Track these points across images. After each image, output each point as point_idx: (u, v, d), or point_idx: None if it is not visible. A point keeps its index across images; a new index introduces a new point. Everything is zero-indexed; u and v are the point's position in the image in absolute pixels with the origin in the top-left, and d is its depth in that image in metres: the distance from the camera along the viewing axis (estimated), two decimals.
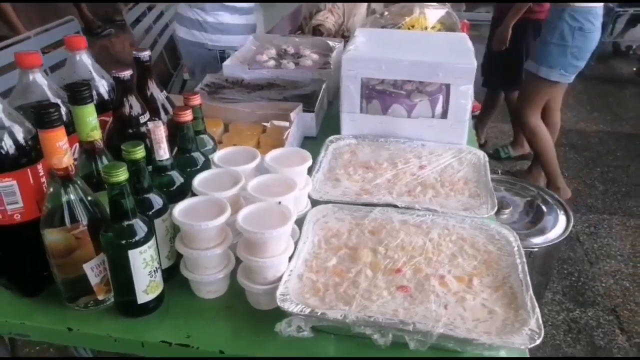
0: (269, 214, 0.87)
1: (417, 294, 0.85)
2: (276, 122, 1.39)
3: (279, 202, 0.88)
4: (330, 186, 1.17)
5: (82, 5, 4.01)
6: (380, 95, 1.39)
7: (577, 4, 2.51)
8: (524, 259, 0.91)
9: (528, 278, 0.86)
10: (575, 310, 2.24)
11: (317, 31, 2.30)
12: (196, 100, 1.04)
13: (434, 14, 2.09)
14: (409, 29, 2.10)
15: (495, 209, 1.07)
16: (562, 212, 2.05)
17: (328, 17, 2.31)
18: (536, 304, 0.80)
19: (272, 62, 1.88)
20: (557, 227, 1.98)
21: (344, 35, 2.40)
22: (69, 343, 0.87)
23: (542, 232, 1.98)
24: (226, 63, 1.82)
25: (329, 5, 2.34)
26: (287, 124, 1.38)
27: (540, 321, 0.77)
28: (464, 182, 1.19)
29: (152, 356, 0.85)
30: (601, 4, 2.56)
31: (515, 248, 0.95)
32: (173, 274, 0.94)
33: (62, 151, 0.79)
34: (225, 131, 1.43)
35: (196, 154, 1.03)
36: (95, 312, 0.89)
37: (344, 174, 1.22)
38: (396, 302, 0.84)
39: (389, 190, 1.14)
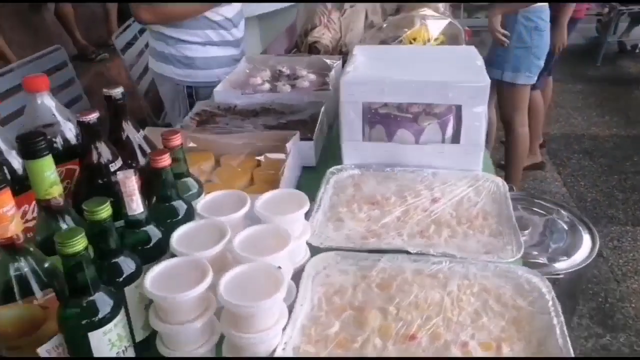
0: (258, 275, 0.74)
1: None
2: (270, 156, 1.26)
3: (279, 267, 0.74)
4: (332, 228, 1.04)
5: (75, 32, 3.95)
6: (384, 119, 1.26)
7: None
8: (562, 317, 0.77)
9: (569, 344, 0.72)
10: (605, 336, 2.08)
11: (313, 49, 2.18)
12: (176, 140, 0.92)
13: (436, 24, 1.96)
14: (410, 42, 1.98)
15: (522, 251, 0.93)
16: (585, 230, 1.91)
17: (324, 33, 2.18)
18: None
19: (266, 86, 1.76)
20: (583, 248, 1.83)
21: (342, 51, 2.28)
22: None
23: (566, 253, 1.83)
24: (217, 89, 1.70)
25: (324, 20, 2.22)
26: (283, 156, 1.25)
27: None
28: (483, 216, 1.05)
29: None
30: (546, 4, 2.60)
31: (550, 302, 0.81)
32: (150, 346, 0.81)
33: (6, 218, 0.66)
34: (217, 164, 1.31)
35: (177, 202, 0.90)
36: None
37: (347, 212, 1.08)
38: None
39: (399, 232, 1.01)
